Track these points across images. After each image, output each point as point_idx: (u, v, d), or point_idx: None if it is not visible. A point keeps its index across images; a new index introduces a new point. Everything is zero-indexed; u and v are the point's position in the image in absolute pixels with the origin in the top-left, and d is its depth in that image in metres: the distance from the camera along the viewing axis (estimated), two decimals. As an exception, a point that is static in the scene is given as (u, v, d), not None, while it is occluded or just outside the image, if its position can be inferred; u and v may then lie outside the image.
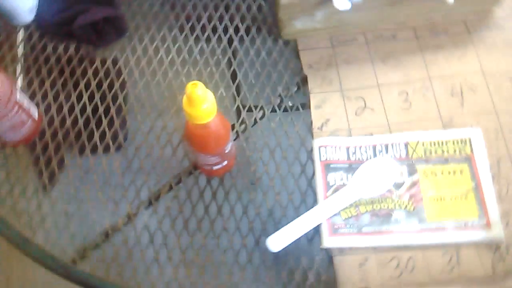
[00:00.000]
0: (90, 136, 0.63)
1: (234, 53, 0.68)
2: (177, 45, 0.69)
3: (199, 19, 0.71)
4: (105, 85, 0.66)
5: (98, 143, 0.63)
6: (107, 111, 0.64)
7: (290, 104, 0.64)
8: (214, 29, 0.70)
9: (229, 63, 0.67)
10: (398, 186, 0.57)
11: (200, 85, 0.43)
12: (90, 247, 0.57)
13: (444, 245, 0.55)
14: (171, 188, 0.60)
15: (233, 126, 0.63)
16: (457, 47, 0.65)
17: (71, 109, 0.65)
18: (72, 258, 0.57)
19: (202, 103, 0.44)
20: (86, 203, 0.59)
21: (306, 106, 0.63)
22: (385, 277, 0.54)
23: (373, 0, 0.60)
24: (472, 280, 0.53)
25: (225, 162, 0.57)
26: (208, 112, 0.46)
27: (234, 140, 0.62)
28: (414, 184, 0.57)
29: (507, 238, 0.55)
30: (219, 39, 0.69)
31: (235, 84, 0.66)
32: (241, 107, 0.64)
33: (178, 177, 0.60)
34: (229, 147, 0.54)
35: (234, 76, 0.67)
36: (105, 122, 0.64)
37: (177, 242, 0.57)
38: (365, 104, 0.62)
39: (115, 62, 0.68)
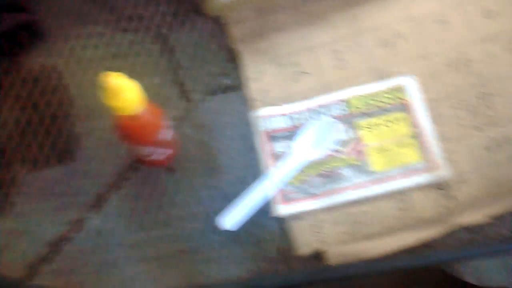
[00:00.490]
0: (29, 148, 0.61)
1: (164, 39, 0.67)
2: (105, 40, 0.67)
3: (123, 11, 0.69)
4: (36, 94, 0.64)
5: (39, 154, 0.61)
6: (43, 120, 0.63)
7: (228, 82, 0.63)
8: (140, 18, 0.68)
9: (161, 50, 0.66)
10: (342, 143, 0.58)
11: (114, 75, 0.43)
12: (45, 260, 0.56)
13: (394, 193, 0.56)
14: (120, 187, 0.59)
15: (173, 113, 0.62)
16: (383, -3, 0.65)
17: (4, 124, 0.63)
18: (27, 275, 0.55)
19: (121, 93, 0.43)
20: (34, 217, 0.58)
21: (243, 81, 0.63)
22: (341, 234, 0.54)
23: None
24: (425, 222, 0.54)
25: (167, 151, 0.57)
26: (129, 101, 0.45)
27: (176, 126, 0.61)
28: (357, 139, 0.58)
29: (454, 175, 0.56)
30: (147, 27, 0.67)
31: (171, 70, 0.65)
32: (180, 93, 0.63)
33: (126, 174, 0.60)
34: (166, 135, 0.54)
35: (169, 63, 0.65)
36: (42, 131, 0.62)
37: (136, 239, 0.56)
38: (301, 68, 0.62)
39: (43, 67, 0.66)
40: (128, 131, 0.50)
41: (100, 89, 0.44)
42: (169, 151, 0.57)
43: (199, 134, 0.61)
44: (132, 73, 0.45)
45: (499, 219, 0.54)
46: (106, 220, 0.57)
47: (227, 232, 0.55)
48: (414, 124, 0.58)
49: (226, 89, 0.63)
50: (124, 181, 0.59)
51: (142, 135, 0.50)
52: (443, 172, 0.55)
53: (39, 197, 0.59)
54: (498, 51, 0.60)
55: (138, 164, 0.59)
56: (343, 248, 0.53)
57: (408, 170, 0.56)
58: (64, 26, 0.67)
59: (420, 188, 0.55)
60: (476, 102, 0.58)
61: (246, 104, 0.62)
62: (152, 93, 0.48)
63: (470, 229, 0.53)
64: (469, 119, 0.58)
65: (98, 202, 0.58)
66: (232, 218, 0.55)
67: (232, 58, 0.64)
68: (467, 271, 0.55)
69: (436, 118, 0.58)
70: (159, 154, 0.55)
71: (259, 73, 0.62)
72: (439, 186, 0.55)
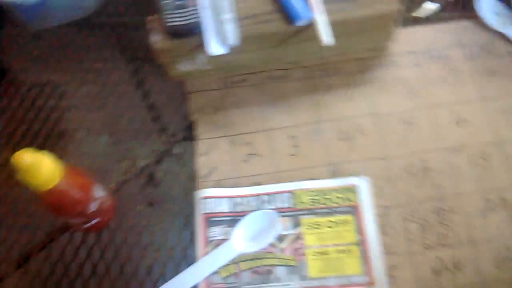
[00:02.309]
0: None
1: (120, 96, 0.64)
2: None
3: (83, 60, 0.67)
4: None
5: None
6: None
7: (178, 151, 0.60)
8: (98, 72, 0.66)
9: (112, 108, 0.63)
10: (281, 239, 0.54)
11: (26, 153, 0.40)
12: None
13: (327, 304, 0.51)
14: (44, 246, 0.56)
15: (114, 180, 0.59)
16: (349, 88, 0.61)
17: None
18: None
19: (33, 170, 0.41)
20: None
21: (194, 153, 0.60)
22: None
23: (253, 43, 0.57)
24: None
25: (96, 220, 0.53)
26: (45, 178, 0.42)
27: (115, 192, 0.58)
28: (297, 237, 0.54)
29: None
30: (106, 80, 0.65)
31: (118, 131, 0.62)
32: (122, 156, 0.60)
33: (52, 234, 0.56)
34: (94, 206, 0.50)
35: (116, 122, 0.62)
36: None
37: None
38: (253, 150, 0.59)
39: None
40: (46, 203, 0.46)
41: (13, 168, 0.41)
42: (98, 219, 0.53)
43: (136, 202, 0.58)
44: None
45: None
46: (24, 279, 0.54)
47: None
48: (360, 231, 0.53)
49: (174, 158, 0.60)
50: (50, 241, 0.56)
51: (62, 208, 0.47)
52: (381, 290, 0.51)
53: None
54: (462, 164, 0.56)
55: (68, 226, 0.56)
56: None
57: (345, 281, 0.51)
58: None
59: (355, 302, 0.51)
60: (430, 216, 0.54)
61: (192, 179, 0.59)
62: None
63: None
64: (419, 234, 0.53)
65: (19, 260, 0.55)
66: (151, 303, 0.51)
67: (186, 127, 0.62)
68: None
69: (384, 227, 0.54)
70: (87, 222, 0.52)
71: (209, 148, 0.59)
72: (375, 304, 0.51)
